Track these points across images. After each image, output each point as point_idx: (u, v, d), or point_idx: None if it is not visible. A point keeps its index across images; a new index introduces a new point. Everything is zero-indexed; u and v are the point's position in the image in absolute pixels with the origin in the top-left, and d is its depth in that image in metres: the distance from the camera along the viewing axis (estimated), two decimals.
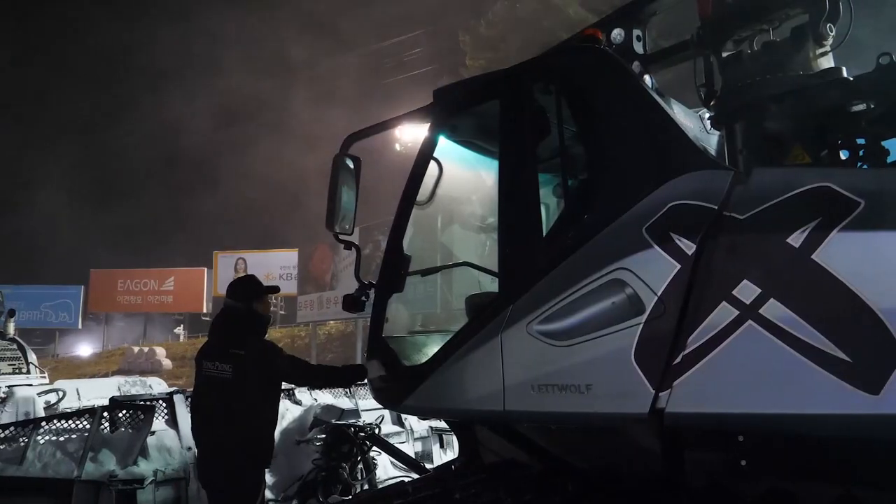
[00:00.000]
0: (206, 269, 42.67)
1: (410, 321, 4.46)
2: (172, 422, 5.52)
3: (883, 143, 2.90)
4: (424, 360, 3.69)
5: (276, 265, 37.00)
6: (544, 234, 3.26)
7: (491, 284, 3.53)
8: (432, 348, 3.87)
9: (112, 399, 5.52)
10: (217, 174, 52.26)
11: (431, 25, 38.02)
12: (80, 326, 44.73)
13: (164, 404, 5.61)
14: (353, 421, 5.95)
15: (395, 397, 3.84)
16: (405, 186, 3.94)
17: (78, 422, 5.20)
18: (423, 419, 6.91)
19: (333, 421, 5.92)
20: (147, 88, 57.50)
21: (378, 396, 4.15)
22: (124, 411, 5.29)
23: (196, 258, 44.87)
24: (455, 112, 4.01)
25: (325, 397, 7.03)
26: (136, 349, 35.79)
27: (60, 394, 9.65)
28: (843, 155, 2.99)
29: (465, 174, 4.42)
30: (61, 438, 5.10)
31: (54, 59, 56.75)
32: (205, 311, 43.36)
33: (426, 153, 3.92)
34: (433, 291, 4.81)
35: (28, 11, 55.82)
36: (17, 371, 12.29)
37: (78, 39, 55.30)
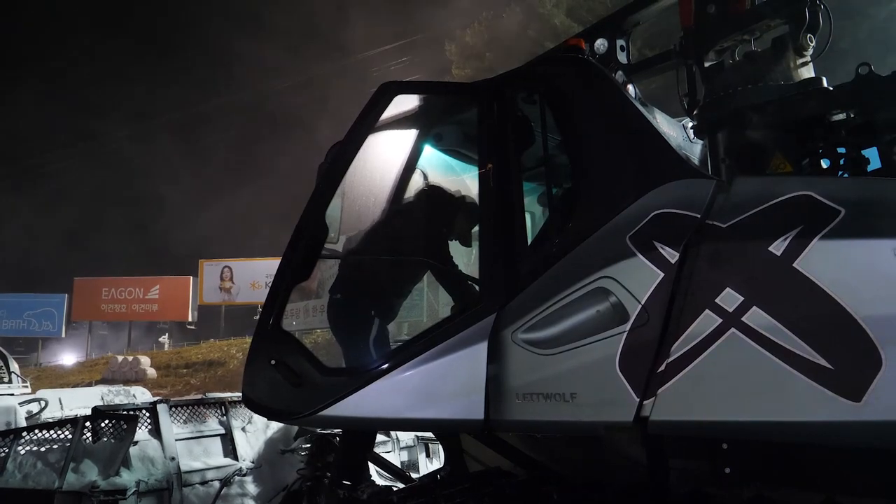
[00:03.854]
0: (191, 278, 42.38)
1: (397, 330, 4.44)
2: (156, 432, 5.45)
3: (863, 152, 2.93)
4: (361, 364, 3.59)
5: (262, 273, 36.82)
6: (528, 242, 3.27)
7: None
8: (370, 352, 3.81)
9: (94, 409, 5.44)
10: (204, 182, 52.14)
11: (418, 34, 38.18)
12: (63, 335, 44.26)
13: (148, 414, 5.55)
14: (339, 430, 5.91)
15: (303, 406, 3.44)
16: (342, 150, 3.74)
17: (59, 432, 5.13)
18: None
19: (318, 430, 5.87)
20: (135, 94, 57.25)
21: (270, 404, 3.69)
22: (107, 421, 5.22)
23: (181, 266, 44.63)
24: (438, 119, 4.01)
25: None
26: (120, 358, 35.37)
27: (42, 403, 9.53)
28: (823, 164, 3.02)
29: (449, 181, 4.42)
30: (42, 449, 5.03)
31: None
32: (190, 319, 43.05)
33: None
34: (419, 301, 4.81)
35: None
36: None
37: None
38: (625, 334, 2.66)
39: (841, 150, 2.99)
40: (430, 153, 4.25)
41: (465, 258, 4.46)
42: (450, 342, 3.19)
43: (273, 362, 3.55)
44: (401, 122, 4.00)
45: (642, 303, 2.65)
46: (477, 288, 3.41)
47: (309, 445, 5.78)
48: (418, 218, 4.13)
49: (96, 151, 54.37)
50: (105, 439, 5.16)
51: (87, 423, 5.18)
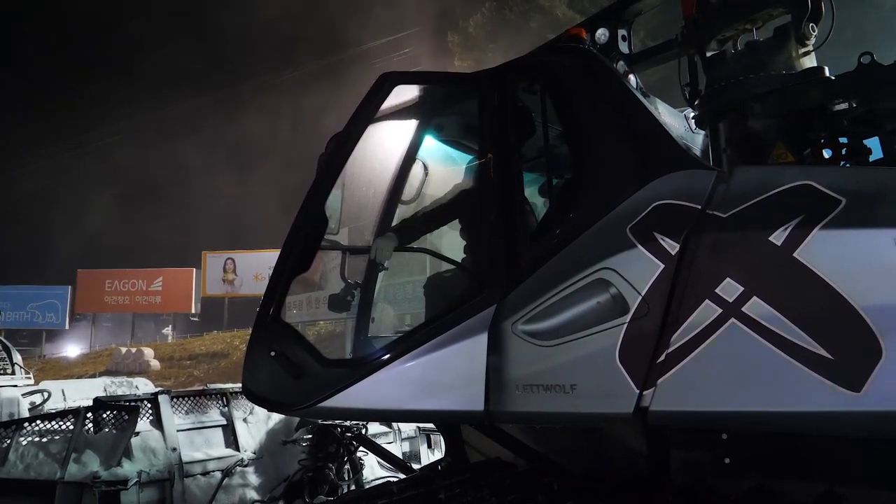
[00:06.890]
0: (194, 270, 42.49)
1: (398, 321, 4.43)
2: (157, 422, 5.46)
3: (864, 142, 2.92)
4: (359, 355, 3.61)
5: (265, 265, 36.86)
6: (529, 233, 3.26)
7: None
8: (367, 343, 3.82)
9: (96, 399, 5.45)
10: (206, 174, 52.18)
11: (420, 26, 38.09)
12: (67, 327, 44.46)
13: (149, 405, 5.56)
14: (340, 421, 5.92)
15: (303, 397, 3.40)
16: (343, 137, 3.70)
17: (61, 423, 5.15)
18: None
19: (320, 421, 5.89)
20: (138, 90, 57.28)
21: (270, 395, 3.64)
22: (108, 412, 5.24)
23: (185, 258, 44.73)
24: (438, 109, 4.00)
25: None
26: (123, 350, 35.56)
27: (45, 395, 9.59)
28: (825, 154, 3.01)
29: (449, 172, 4.41)
30: (44, 439, 5.05)
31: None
32: (193, 311, 43.19)
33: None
34: (420, 292, 4.79)
35: None
36: (1, 372, 12.17)
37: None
38: (625, 325, 2.66)
39: (843, 139, 2.97)
40: (430, 143, 4.23)
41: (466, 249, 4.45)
42: (450, 333, 3.17)
43: (273, 353, 3.52)
44: (400, 112, 3.98)
45: (642, 294, 2.64)
46: (477, 279, 3.40)
47: (310, 436, 5.80)
48: (418, 208, 4.13)
49: (95, 145, 54.37)
50: (106, 430, 5.17)
51: (89, 414, 5.20)
